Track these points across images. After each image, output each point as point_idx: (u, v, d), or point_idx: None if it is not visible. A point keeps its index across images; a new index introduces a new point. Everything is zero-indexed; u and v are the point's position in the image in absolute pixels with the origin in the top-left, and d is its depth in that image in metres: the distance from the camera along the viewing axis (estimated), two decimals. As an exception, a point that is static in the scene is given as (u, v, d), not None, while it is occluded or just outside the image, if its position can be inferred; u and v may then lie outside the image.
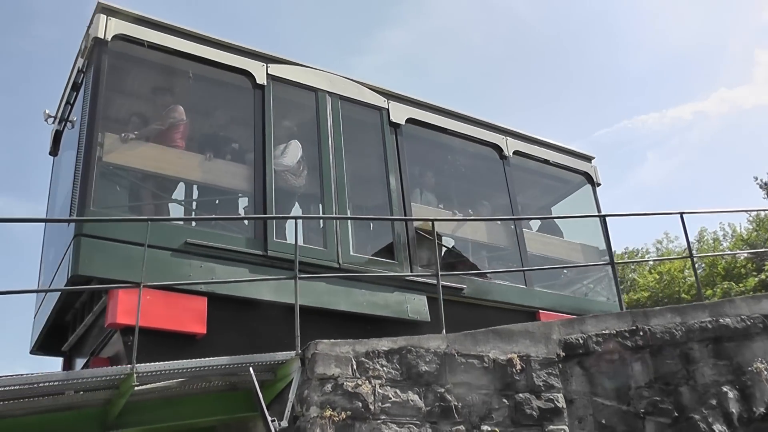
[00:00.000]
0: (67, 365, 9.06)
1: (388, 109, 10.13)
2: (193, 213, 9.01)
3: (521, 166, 11.52)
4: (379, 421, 6.47)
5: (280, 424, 6.24)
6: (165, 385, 6.46)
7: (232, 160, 9.02)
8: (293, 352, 6.74)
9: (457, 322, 8.96)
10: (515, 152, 11.26)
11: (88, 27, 8.51)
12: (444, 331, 7.45)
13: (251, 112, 9.05)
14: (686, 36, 57.32)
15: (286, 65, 9.50)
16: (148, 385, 6.31)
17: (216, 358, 6.56)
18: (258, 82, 9.14)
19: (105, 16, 8.38)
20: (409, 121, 10.30)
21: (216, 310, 7.63)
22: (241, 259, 8.05)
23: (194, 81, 9.11)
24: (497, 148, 11.13)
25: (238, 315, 7.83)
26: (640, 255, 32.98)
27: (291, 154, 9.15)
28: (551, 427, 7.21)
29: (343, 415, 6.35)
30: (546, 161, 11.68)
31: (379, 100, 10.14)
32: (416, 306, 9.04)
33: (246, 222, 8.49)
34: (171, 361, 6.40)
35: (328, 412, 6.32)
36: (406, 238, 9.48)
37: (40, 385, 5.87)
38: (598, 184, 12.05)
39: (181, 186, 8.85)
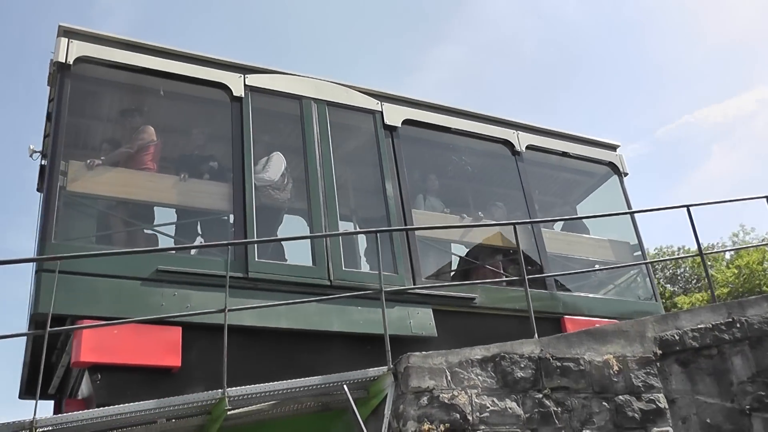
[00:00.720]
0: (57, 409, 8.62)
1: (381, 112, 9.45)
2: (168, 238, 8.46)
3: (537, 161, 10.68)
4: (479, 432, 6.27)
5: None
6: (257, 408, 6.32)
7: (211, 178, 8.49)
8: (385, 368, 6.56)
9: (469, 336, 8.31)
10: (529, 147, 10.43)
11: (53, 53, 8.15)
12: (536, 335, 7.16)
13: (229, 126, 8.52)
14: (740, 24, 54.98)
15: (266, 74, 8.94)
16: (241, 410, 6.19)
17: (307, 378, 6.36)
18: (235, 94, 8.60)
19: (66, 40, 7.98)
20: (406, 122, 9.60)
21: (191, 340, 7.09)
22: (218, 283, 7.45)
23: (167, 98, 8.69)
24: (508, 144, 10.33)
25: (215, 344, 7.24)
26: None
27: (273, 167, 8.58)
28: (655, 429, 6.98)
29: (442, 428, 6.21)
30: (564, 153, 10.80)
31: (371, 103, 9.47)
32: (421, 321, 8.31)
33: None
34: (262, 384, 6.23)
35: (426, 426, 6.18)
36: (407, 247, 8.77)
37: (133, 414, 5.82)
38: (625, 174, 11.10)
39: (157, 210, 8.34)
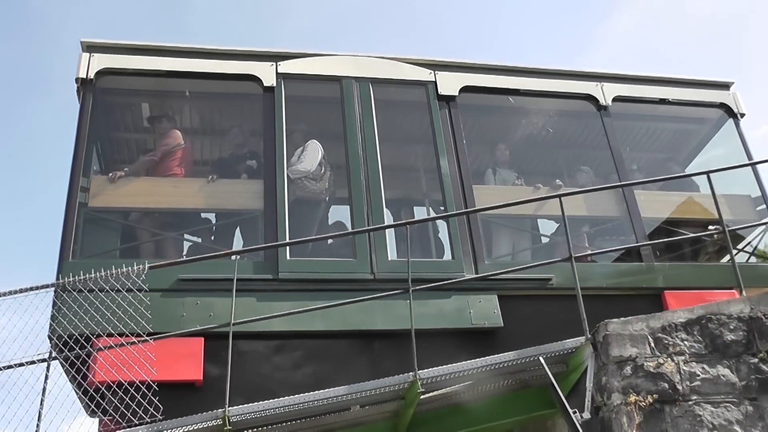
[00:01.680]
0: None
1: (435, 82, 8.54)
2: (203, 245, 8.07)
3: (630, 114, 9.33)
4: (690, 402, 5.79)
5: (582, 416, 5.86)
6: (451, 390, 6.13)
7: (249, 177, 8.04)
8: (582, 338, 6.18)
9: (546, 323, 7.33)
10: (616, 98, 9.04)
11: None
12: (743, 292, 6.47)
13: (261, 119, 8.03)
14: None
15: (300, 59, 8.35)
16: (435, 392, 6.04)
17: (502, 354, 6.13)
18: (266, 84, 8.07)
19: (88, 54, 7.85)
20: (465, 90, 8.60)
21: (214, 351, 6.64)
22: (245, 288, 6.95)
23: (194, 99, 8.36)
24: (590, 99, 9.03)
25: (242, 354, 6.77)
26: None
27: (309, 157, 7.97)
28: None
29: (650, 399, 5.76)
30: (663, 101, 9.32)
31: (423, 74, 8.58)
32: (483, 310, 7.38)
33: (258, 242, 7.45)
34: (454, 364, 6.03)
35: (632, 398, 5.76)
36: (467, 229, 7.84)
37: (326, 401, 5.83)
38: (742, 115, 9.42)
39: (194, 216, 8.00)
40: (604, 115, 8.98)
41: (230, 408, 5.68)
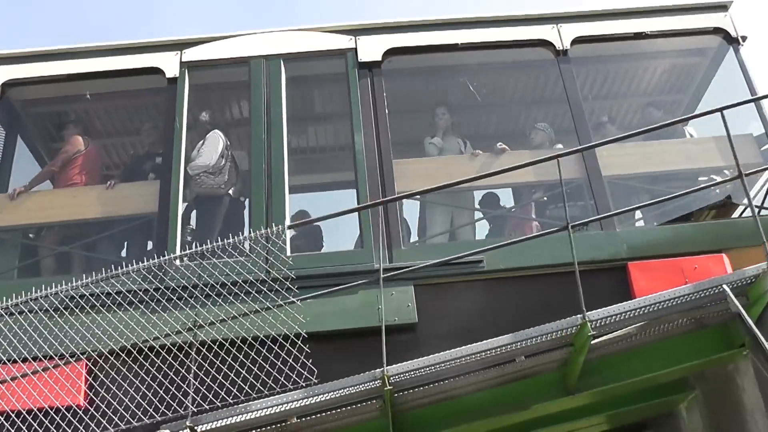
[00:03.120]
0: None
1: (355, 49, 7.63)
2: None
3: (599, 56, 7.95)
4: None
5: None
6: (623, 333, 5.58)
7: (152, 177, 7.53)
8: (764, 264, 5.33)
9: (477, 313, 6.41)
10: (577, 40, 7.68)
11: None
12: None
13: (163, 114, 7.50)
14: None
15: (207, 45, 7.70)
16: (605, 337, 5.52)
17: (676, 288, 5.44)
18: (168, 76, 7.51)
19: (-4, 66, 7.65)
20: (391, 52, 7.60)
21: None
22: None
23: (98, 100, 7.90)
24: (546, 45, 7.74)
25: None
26: None
27: (208, 150, 7.33)
28: None
29: None
30: (638, 35, 7.83)
31: (342, 42, 7.66)
32: (395, 304, 6.46)
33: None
34: (624, 303, 5.45)
35: None
36: (382, 213, 6.89)
37: (490, 353, 5.40)
38: (743, 38, 7.75)
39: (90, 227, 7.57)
40: (562, 61, 7.67)
41: (388, 367, 5.28)
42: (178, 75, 7.51)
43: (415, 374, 5.39)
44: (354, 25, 7.78)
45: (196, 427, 5.35)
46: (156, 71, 7.58)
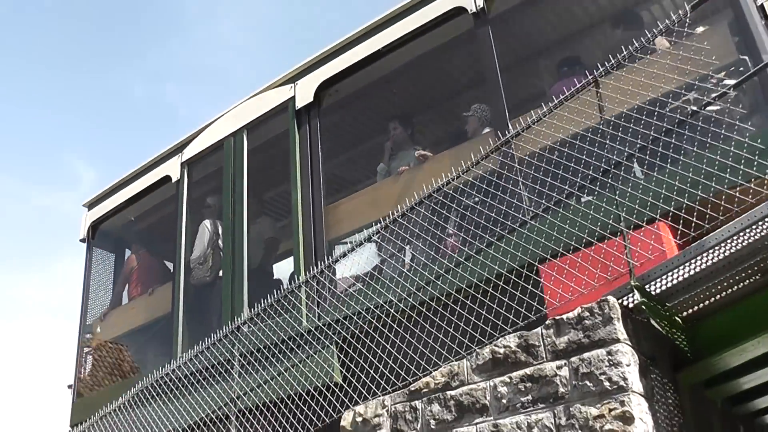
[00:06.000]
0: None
1: (294, 97, 7.38)
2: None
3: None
4: None
5: None
6: None
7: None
8: None
9: None
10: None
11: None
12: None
13: (175, 219, 8.18)
14: None
15: (198, 137, 8.19)
16: None
17: None
18: (174, 179, 8.25)
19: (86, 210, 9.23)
20: (323, 86, 7.19)
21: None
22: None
23: (141, 219, 8.91)
24: (460, 12, 6.43)
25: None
26: None
27: (198, 242, 7.82)
28: None
29: None
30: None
31: (285, 93, 7.49)
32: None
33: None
34: None
35: None
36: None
37: None
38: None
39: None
40: (479, 24, 6.36)
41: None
42: (179, 176, 8.17)
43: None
44: (292, 71, 7.55)
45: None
46: (168, 180, 8.37)
